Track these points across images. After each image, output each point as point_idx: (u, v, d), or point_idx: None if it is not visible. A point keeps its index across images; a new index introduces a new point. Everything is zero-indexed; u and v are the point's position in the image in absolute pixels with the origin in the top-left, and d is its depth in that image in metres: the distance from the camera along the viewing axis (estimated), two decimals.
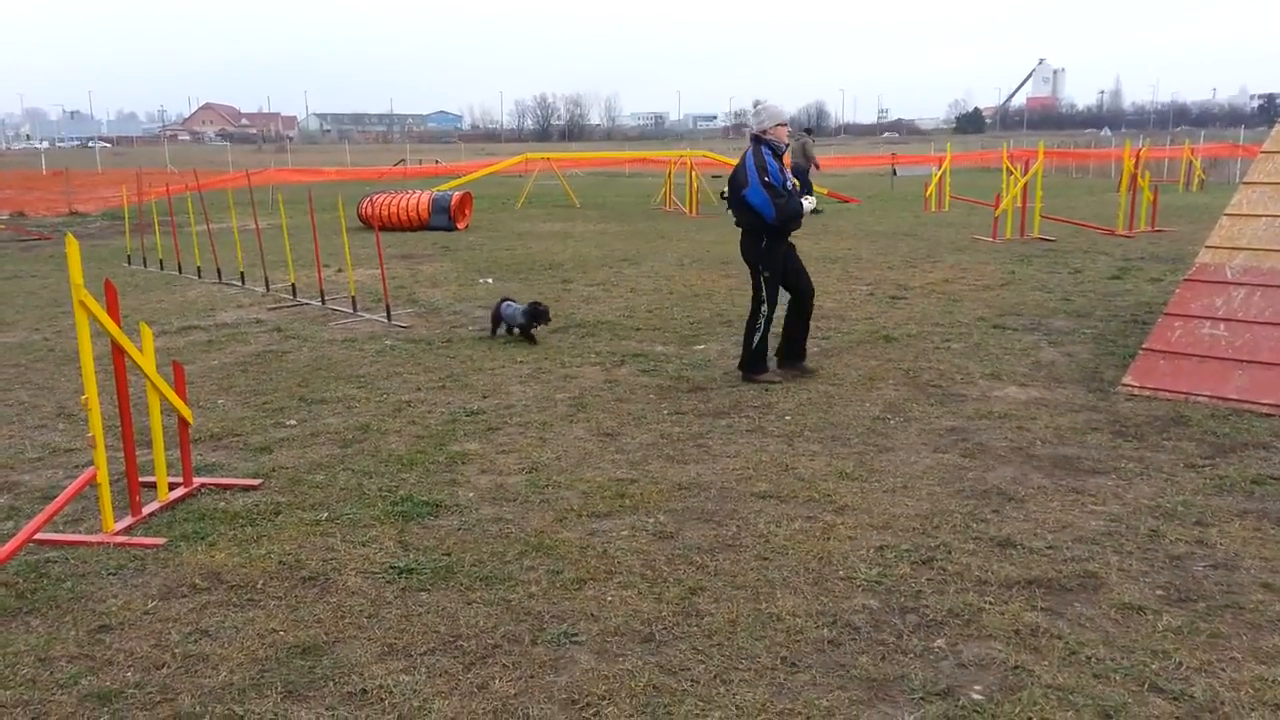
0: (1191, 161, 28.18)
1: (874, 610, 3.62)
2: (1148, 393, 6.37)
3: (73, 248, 4.15)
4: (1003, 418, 5.96)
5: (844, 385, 6.77)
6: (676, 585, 3.84)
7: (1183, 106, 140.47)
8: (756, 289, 6.96)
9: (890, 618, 3.56)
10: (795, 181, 6.92)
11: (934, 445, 5.49)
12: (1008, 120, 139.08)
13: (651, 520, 4.49)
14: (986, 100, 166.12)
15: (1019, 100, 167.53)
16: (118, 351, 4.42)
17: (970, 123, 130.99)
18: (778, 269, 6.86)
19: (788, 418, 6.07)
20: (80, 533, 4.42)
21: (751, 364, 7.00)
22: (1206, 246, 7.03)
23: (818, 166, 21.07)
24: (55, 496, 4.81)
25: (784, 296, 6.96)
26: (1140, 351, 6.70)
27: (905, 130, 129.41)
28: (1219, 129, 75.45)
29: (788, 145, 6.91)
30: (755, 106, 7.20)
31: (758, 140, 6.80)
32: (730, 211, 7.01)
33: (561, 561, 4.07)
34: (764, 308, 6.89)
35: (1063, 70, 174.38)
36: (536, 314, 8.27)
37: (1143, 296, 9.98)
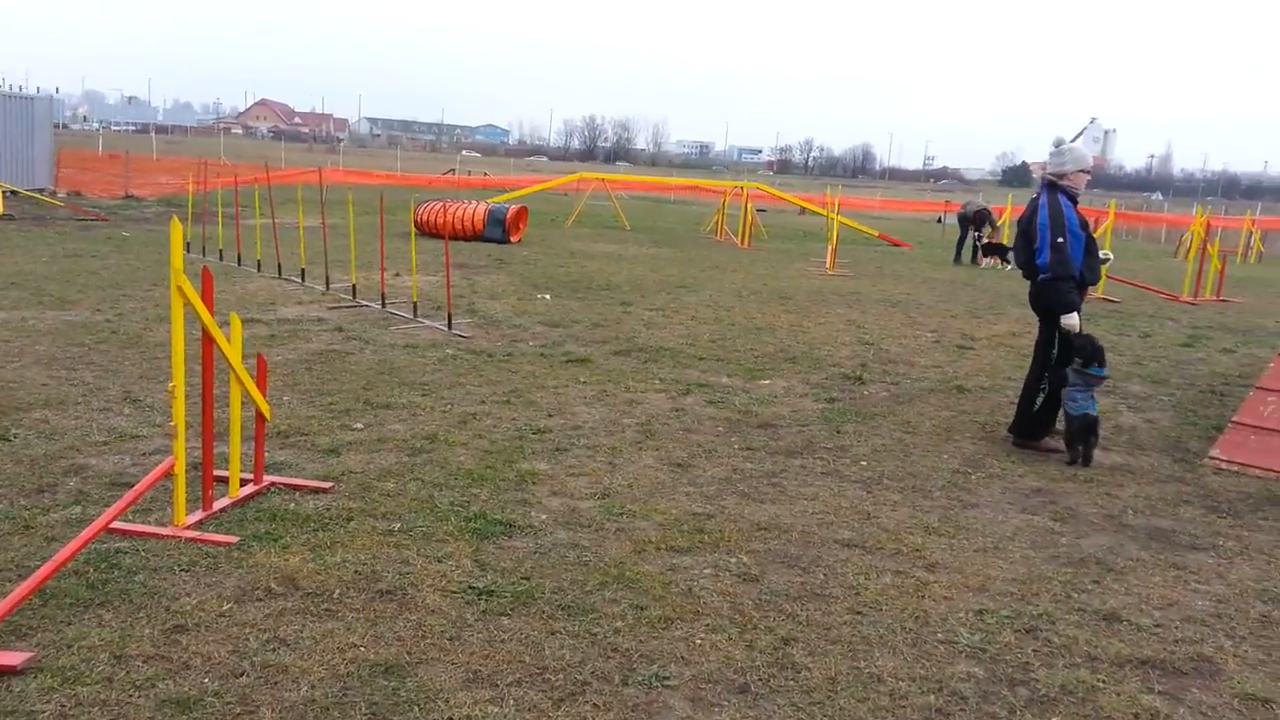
0: (1251, 233, 27.73)
1: (980, 679, 3.43)
2: (1236, 468, 6.13)
3: (176, 231, 4.07)
4: (1088, 482, 5.75)
5: (919, 434, 6.58)
6: (768, 634, 3.67)
7: (1233, 177, 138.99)
8: (1045, 344, 6.29)
9: (999, 689, 3.37)
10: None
11: (1020, 505, 5.29)
12: None
13: (734, 560, 4.33)
14: (1035, 154, 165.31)
15: None
16: (207, 340, 4.33)
17: (1016, 176, 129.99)
18: (1079, 322, 6.11)
19: (863, 463, 5.89)
20: (150, 524, 4.30)
21: (1031, 428, 6.35)
22: None
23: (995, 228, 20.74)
24: (123, 483, 4.74)
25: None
26: (1230, 425, 6.47)
27: (951, 178, 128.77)
28: (1270, 202, 74.55)
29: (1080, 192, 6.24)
30: (1056, 147, 6.28)
31: (1053, 187, 6.10)
32: (1020, 267, 6.39)
33: (645, 597, 3.91)
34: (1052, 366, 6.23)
35: (1114, 131, 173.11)
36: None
37: (1217, 367, 9.72)
